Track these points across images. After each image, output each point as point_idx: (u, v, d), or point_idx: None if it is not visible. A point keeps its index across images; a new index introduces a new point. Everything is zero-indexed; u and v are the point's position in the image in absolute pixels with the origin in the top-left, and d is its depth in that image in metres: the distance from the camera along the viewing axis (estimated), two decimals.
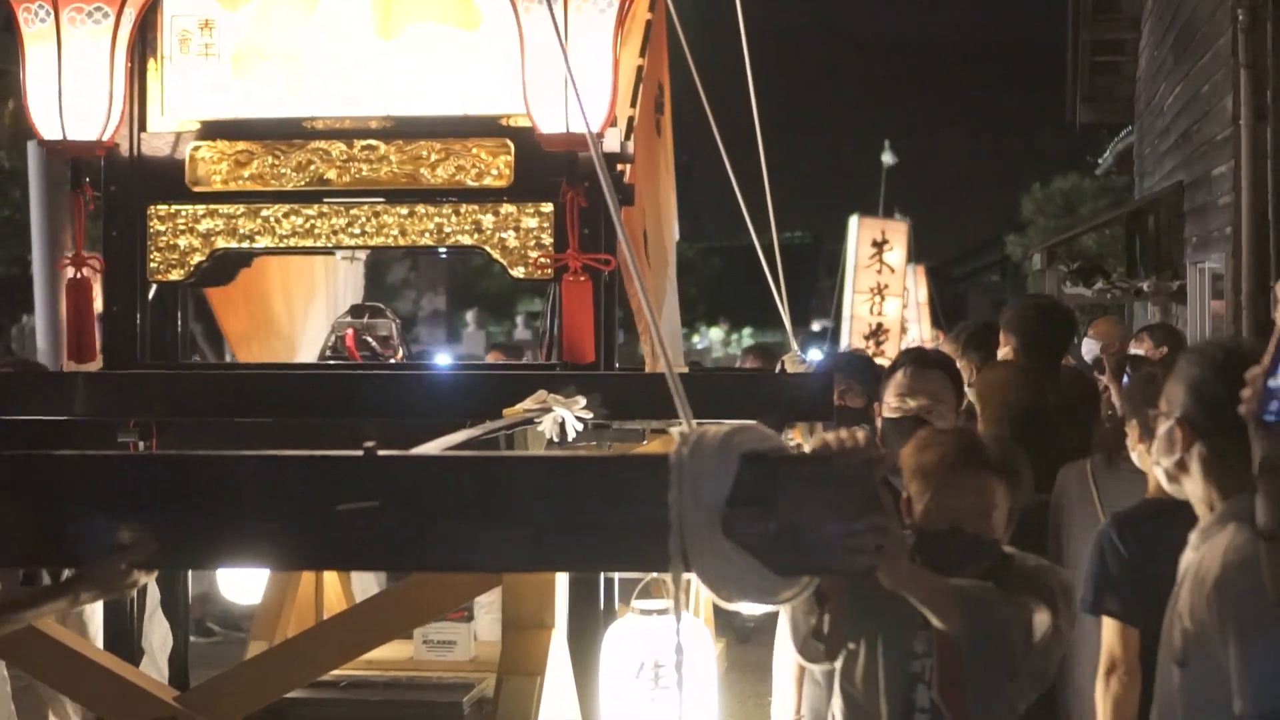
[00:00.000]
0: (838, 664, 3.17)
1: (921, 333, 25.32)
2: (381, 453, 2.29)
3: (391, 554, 2.29)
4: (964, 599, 2.89)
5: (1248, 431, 2.82)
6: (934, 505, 3.16)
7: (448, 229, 4.80)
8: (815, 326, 33.32)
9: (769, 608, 2.37)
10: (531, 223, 4.77)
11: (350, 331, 5.31)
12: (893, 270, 24.95)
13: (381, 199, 4.83)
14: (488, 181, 4.80)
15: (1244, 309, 8.13)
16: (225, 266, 5.08)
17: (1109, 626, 4.01)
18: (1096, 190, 28.49)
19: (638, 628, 3.33)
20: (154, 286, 4.99)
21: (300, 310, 6.02)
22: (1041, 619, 3.05)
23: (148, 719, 3.35)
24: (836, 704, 3.23)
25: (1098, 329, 7.84)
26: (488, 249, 4.78)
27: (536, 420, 3.79)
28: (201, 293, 5.53)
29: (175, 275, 4.92)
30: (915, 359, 4.48)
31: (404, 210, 4.82)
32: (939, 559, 3.07)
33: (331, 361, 5.48)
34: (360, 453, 2.28)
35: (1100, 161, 22.16)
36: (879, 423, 4.59)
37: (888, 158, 39.23)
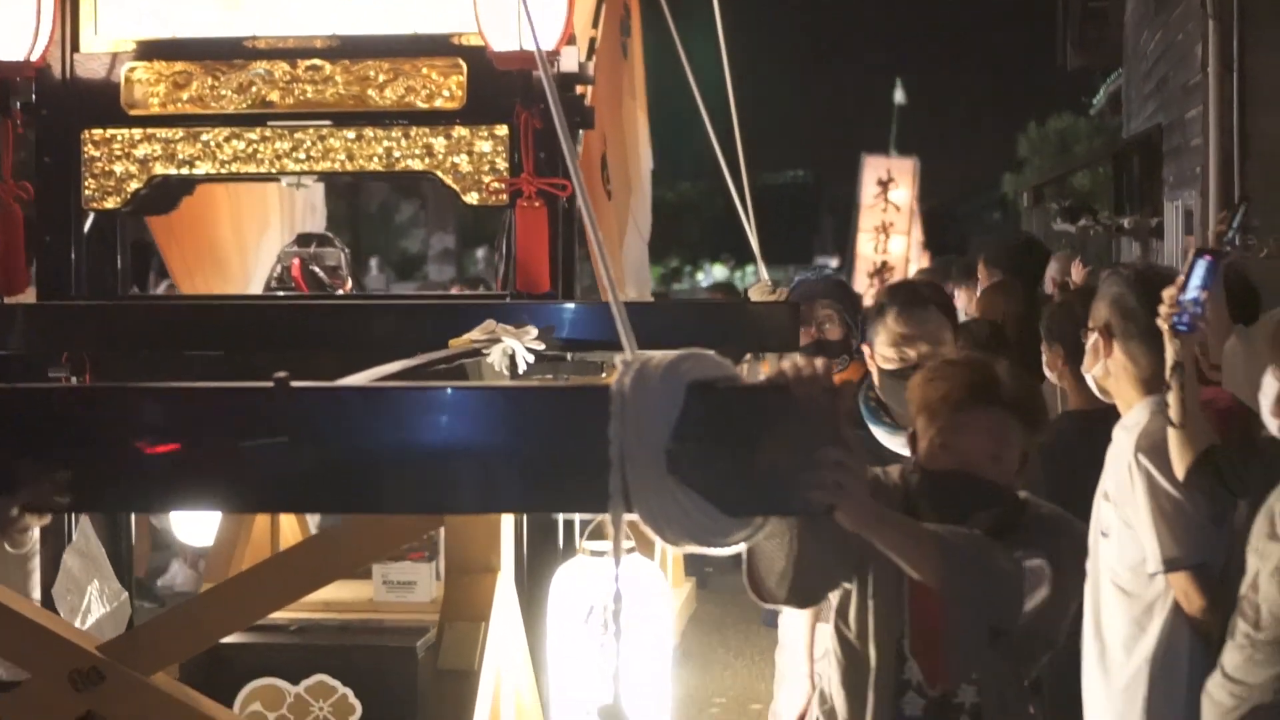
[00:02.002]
0: (834, 602, 2.93)
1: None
2: (295, 384, 2.08)
3: (305, 494, 2.10)
4: (942, 546, 2.62)
5: (1156, 337, 3.53)
6: (941, 444, 2.86)
7: (397, 153, 4.57)
8: (832, 262, 33.03)
9: (719, 551, 2.17)
10: (485, 146, 4.55)
11: (296, 261, 5.09)
12: (898, 208, 24.78)
13: (328, 122, 4.60)
14: (439, 103, 4.57)
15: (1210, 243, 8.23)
16: (165, 194, 4.85)
17: None
18: (1091, 130, 28.42)
19: (587, 570, 3.13)
20: (90, 215, 4.77)
21: (252, 242, 5.79)
22: (1040, 574, 2.77)
23: (67, 670, 3.15)
24: (832, 642, 3.01)
25: (1055, 263, 8.42)
26: (439, 174, 4.55)
27: (485, 351, 3.58)
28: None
29: (111, 203, 4.69)
30: (905, 298, 3.93)
31: (351, 134, 4.59)
32: (945, 503, 2.79)
33: (280, 293, 5.26)
34: (270, 384, 2.08)
35: (1094, 103, 22.31)
36: (872, 366, 4.11)
37: (899, 96, 39.05)
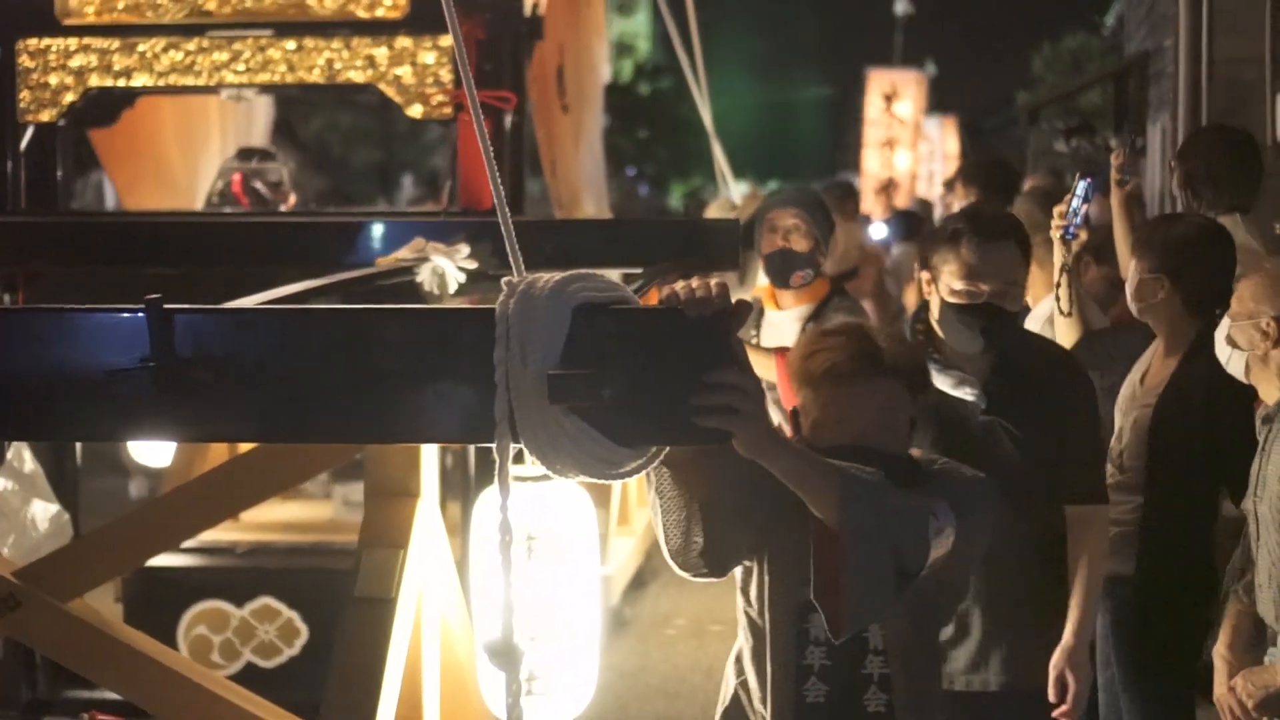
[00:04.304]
0: (738, 578, 2.84)
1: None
2: (167, 306, 1.98)
3: (172, 423, 1.99)
4: (842, 478, 2.49)
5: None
6: (829, 417, 2.75)
7: (338, 65, 4.44)
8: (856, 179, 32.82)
9: (614, 481, 2.08)
10: (429, 58, 4.41)
11: (237, 176, 4.96)
12: (903, 123, 24.48)
13: (267, 31, 4.47)
14: (381, 12, 4.44)
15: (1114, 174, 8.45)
16: (103, 106, 4.73)
17: None
18: (1104, 49, 28.14)
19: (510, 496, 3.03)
20: (29, 129, 4.65)
21: (198, 155, 5.66)
22: (945, 520, 2.65)
23: None
24: (740, 621, 2.91)
25: (1031, 182, 8.81)
26: (381, 86, 4.43)
27: (415, 270, 3.48)
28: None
29: (46, 116, 4.57)
30: (981, 229, 3.47)
31: (291, 44, 4.46)
32: None
33: (226, 210, 5.14)
34: (141, 307, 1.97)
35: (1105, 22, 22.22)
36: (930, 294, 3.62)
37: (901, 7, 38.76)
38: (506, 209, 2.12)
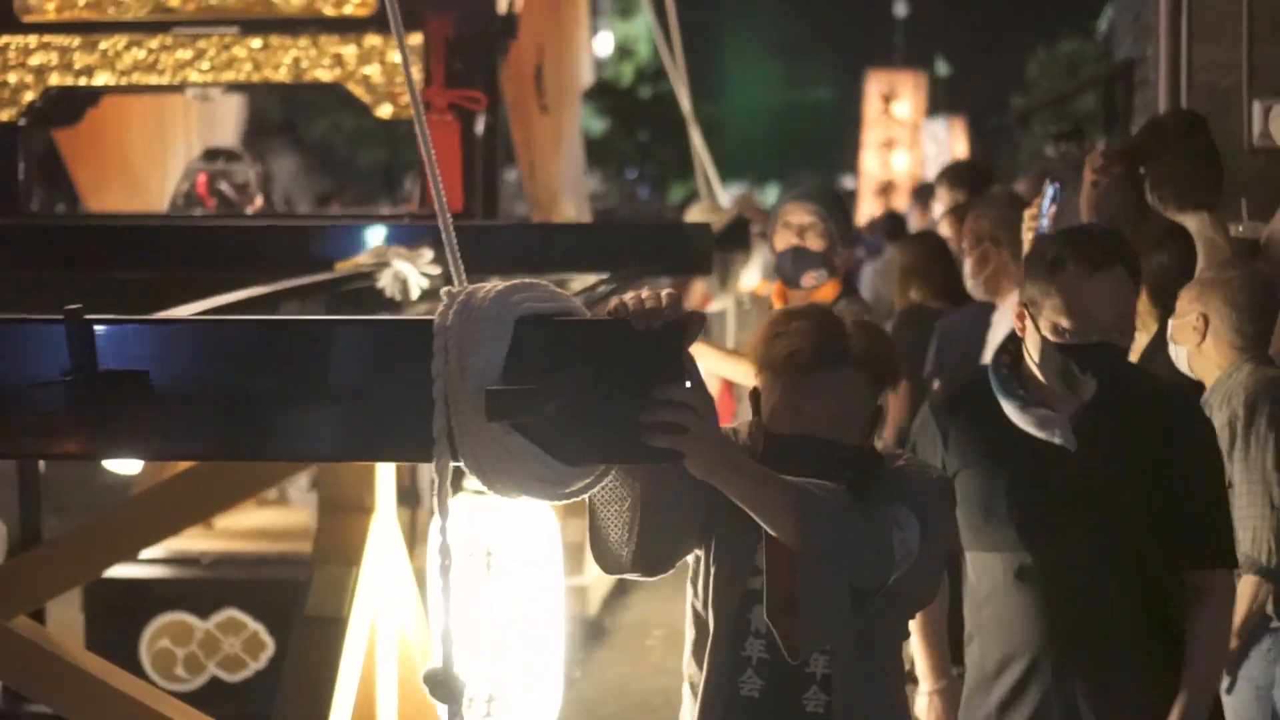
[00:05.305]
0: (690, 567, 2.71)
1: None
2: (87, 316, 1.87)
3: (93, 440, 1.88)
4: (801, 498, 2.37)
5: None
6: (785, 405, 2.59)
7: (305, 63, 4.34)
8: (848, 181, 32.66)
9: (559, 501, 1.97)
10: (398, 56, 4.30)
11: (203, 177, 4.85)
12: (901, 124, 24.37)
13: (233, 28, 4.36)
14: (349, 10, 4.34)
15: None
16: (66, 105, 4.62)
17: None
18: (1098, 54, 28.11)
19: (468, 510, 2.93)
20: None
21: (164, 157, 5.54)
22: (911, 536, 2.49)
23: None
24: (687, 615, 2.79)
25: (1024, 183, 8.91)
26: (349, 86, 4.32)
27: (376, 276, 3.37)
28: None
29: (6, 115, 4.47)
30: (1087, 255, 3.00)
31: (257, 42, 4.36)
32: (793, 470, 2.48)
33: (197, 212, 5.03)
34: (60, 317, 1.86)
35: (1099, 28, 22.39)
36: (1023, 328, 3.16)
37: (901, 9, 38.73)
38: (447, 211, 2.02)
